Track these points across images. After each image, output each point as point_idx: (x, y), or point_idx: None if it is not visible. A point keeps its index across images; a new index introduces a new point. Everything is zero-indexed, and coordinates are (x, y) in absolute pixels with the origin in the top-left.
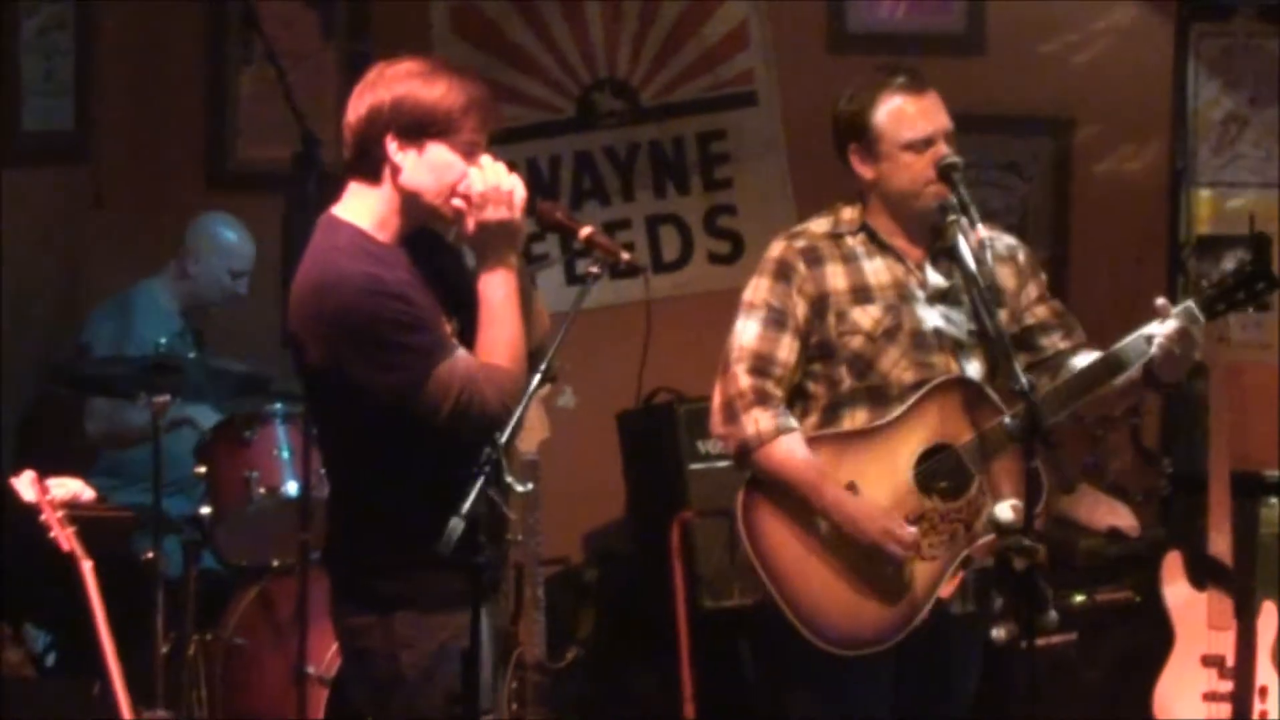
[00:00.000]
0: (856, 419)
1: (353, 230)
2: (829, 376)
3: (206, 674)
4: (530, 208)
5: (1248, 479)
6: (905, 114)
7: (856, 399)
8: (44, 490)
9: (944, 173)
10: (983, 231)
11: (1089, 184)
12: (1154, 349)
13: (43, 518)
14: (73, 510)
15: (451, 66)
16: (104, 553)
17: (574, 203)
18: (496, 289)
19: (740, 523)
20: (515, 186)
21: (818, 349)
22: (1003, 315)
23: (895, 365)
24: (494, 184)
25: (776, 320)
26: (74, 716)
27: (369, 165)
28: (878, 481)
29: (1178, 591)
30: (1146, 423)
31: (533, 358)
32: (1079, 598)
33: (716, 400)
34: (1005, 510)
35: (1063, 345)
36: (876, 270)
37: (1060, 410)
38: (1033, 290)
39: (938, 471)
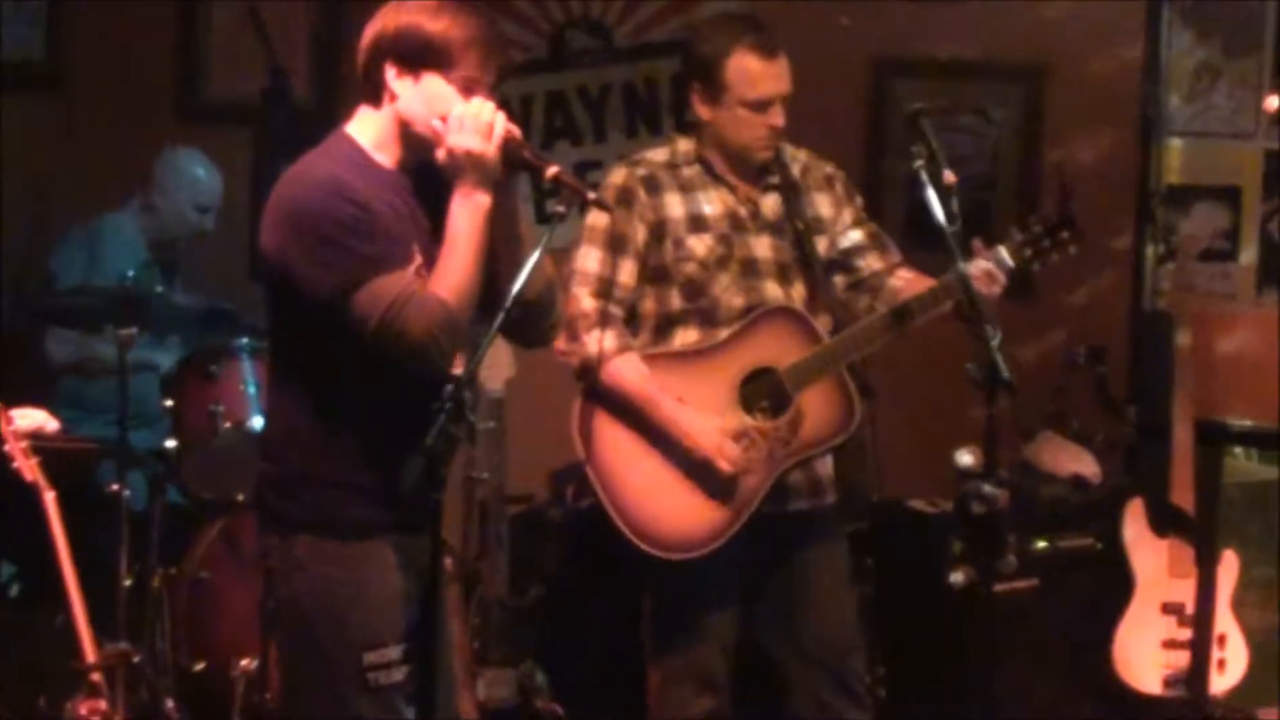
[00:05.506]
0: (687, 338)
1: (351, 144)
2: (660, 297)
3: (170, 608)
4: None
5: (1212, 428)
6: (753, 74)
7: (687, 319)
8: (8, 420)
9: (911, 119)
10: (951, 177)
11: (1060, 131)
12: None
13: (6, 448)
14: (36, 441)
15: (461, 4)
16: (68, 484)
17: (545, 142)
18: (459, 221)
19: (575, 431)
20: (495, 120)
21: (653, 272)
22: (822, 241)
23: (726, 290)
24: (473, 111)
25: (618, 245)
26: (36, 648)
27: (372, 89)
28: (705, 398)
29: (1139, 539)
30: (1112, 370)
31: (532, 303)
32: (1041, 544)
33: None
34: (965, 456)
35: (878, 266)
36: (710, 200)
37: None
38: (848, 215)
39: (760, 392)
